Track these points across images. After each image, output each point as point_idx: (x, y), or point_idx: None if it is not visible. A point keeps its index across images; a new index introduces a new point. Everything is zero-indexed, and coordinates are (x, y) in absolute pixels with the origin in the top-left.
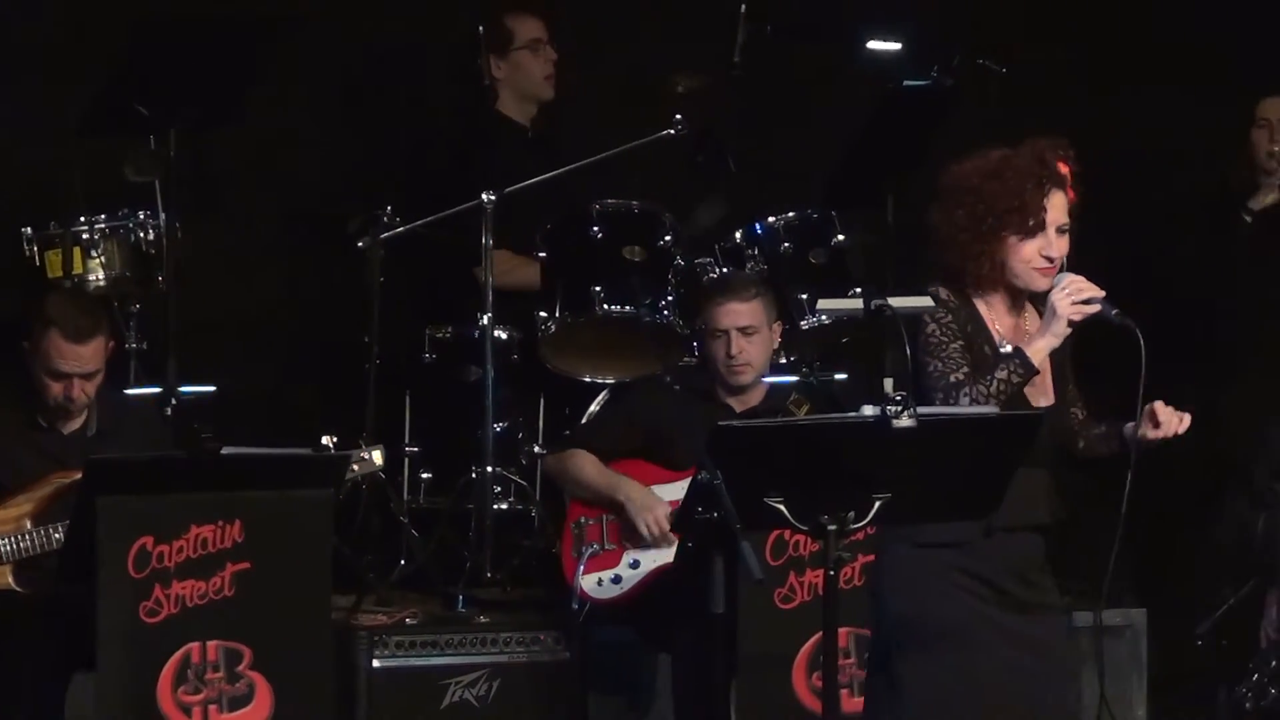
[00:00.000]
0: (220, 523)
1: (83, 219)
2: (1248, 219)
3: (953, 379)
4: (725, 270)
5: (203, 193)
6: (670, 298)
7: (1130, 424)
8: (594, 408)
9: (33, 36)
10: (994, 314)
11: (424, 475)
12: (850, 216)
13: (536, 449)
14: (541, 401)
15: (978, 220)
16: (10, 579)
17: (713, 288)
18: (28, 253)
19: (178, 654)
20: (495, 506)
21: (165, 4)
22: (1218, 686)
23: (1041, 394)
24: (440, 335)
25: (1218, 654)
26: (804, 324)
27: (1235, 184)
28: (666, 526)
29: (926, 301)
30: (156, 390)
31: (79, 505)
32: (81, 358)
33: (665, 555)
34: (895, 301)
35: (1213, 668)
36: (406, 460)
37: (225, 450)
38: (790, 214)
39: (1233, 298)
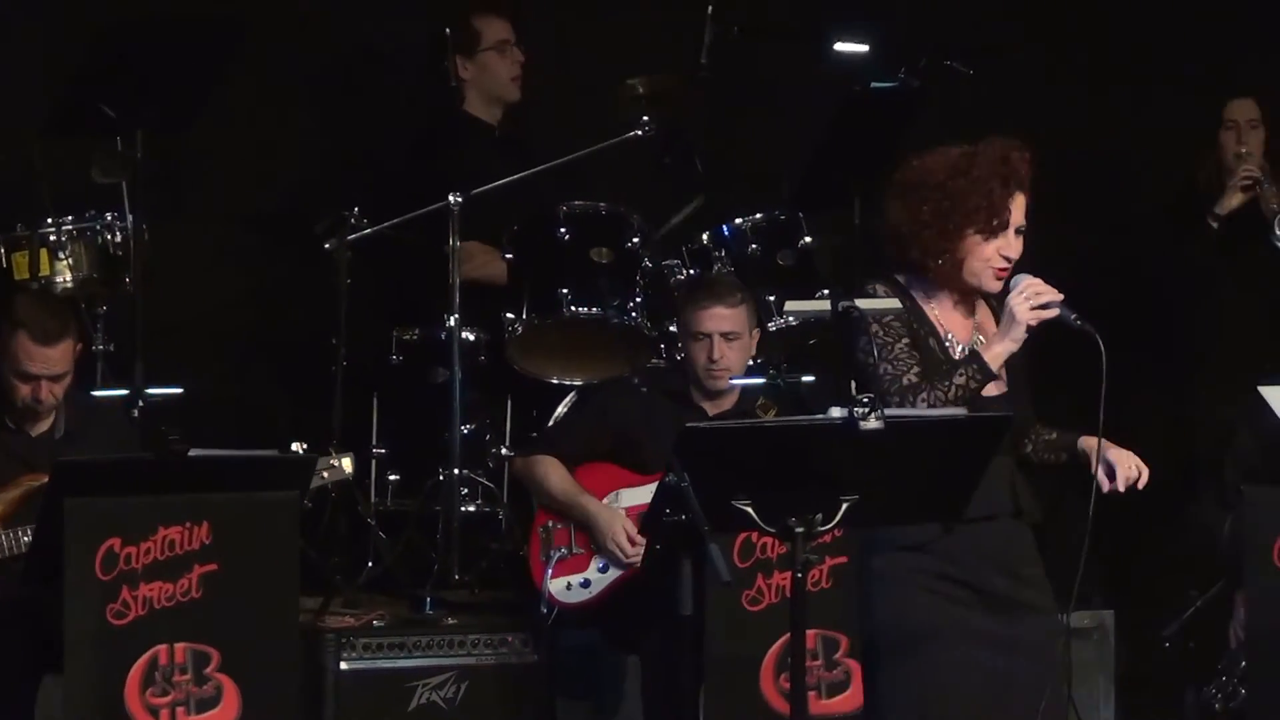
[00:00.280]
0: (188, 524)
1: (50, 221)
2: (1214, 224)
3: (905, 381)
4: (696, 272)
5: (170, 194)
6: (638, 299)
7: (1084, 437)
8: (562, 410)
9: None
10: (940, 310)
11: (391, 477)
12: (817, 218)
13: (504, 451)
14: (509, 403)
15: (943, 217)
16: None
17: (697, 289)
18: None
19: (145, 656)
20: (463, 509)
21: (132, 5)
22: (1185, 688)
23: (992, 384)
24: (407, 337)
25: (1185, 655)
26: (771, 326)
27: (1202, 186)
28: (629, 547)
29: (894, 303)
30: (124, 392)
31: (46, 507)
32: (50, 360)
33: (634, 558)
34: (862, 303)
35: (1180, 669)
36: (374, 462)
37: (193, 452)
38: (758, 215)
39: (1199, 300)
